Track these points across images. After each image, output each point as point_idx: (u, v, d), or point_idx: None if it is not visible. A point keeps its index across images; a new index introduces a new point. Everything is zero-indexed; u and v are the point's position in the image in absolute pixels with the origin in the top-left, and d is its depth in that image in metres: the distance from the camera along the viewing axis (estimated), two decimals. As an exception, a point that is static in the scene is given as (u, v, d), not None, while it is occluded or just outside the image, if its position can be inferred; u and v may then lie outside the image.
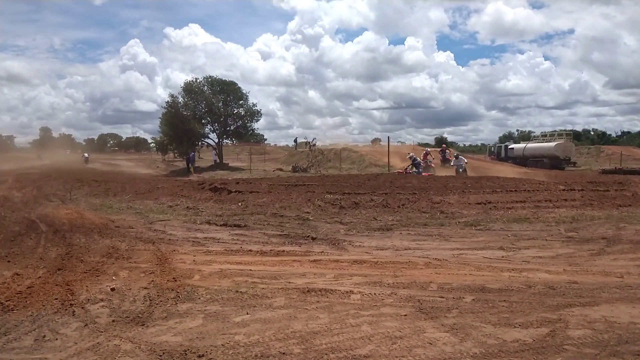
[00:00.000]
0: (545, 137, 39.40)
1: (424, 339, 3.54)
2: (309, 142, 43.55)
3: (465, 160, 24.92)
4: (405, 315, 4.07)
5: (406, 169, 22.98)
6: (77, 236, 7.72)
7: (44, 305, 4.41)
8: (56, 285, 5.03)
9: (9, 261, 6.12)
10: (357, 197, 11.81)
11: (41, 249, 6.82)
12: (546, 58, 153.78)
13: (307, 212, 10.41)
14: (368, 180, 15.60)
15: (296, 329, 3.75)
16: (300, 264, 6.00)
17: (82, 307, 4.36)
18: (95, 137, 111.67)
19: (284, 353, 3.30)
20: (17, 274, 5.46)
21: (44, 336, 3.71)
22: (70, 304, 4.43)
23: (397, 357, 3.24)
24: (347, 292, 4.75)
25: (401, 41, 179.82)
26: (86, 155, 50.40)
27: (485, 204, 11.22)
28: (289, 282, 5.13)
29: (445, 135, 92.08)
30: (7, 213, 10.63)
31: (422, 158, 23.41)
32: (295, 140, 52.40)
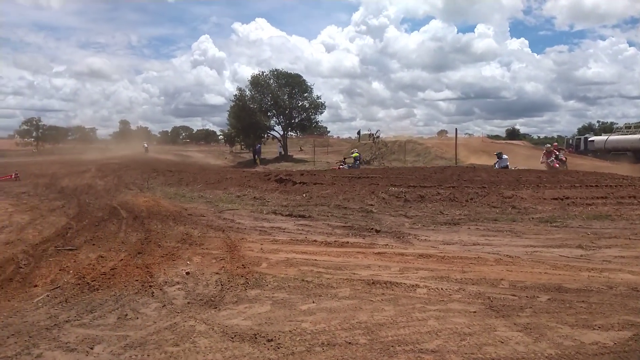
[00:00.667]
0: (629, 128, 36.15)
1: (495, 337, 3.43)
2: (373, 134, 43.20)
3: (506, 158, 23.69)
4: (475, 312, 3.96)
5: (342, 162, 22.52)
6: (154, 222, 8.25)
7: (125, 286, 4.77)
8: (136, 267, 5.42)
9: (93, 244, 6.67)
10: (422, 190, 11.57)
11: (122, 234, 7.36)
12: (630, 44, 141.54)
13: (371, 205, 10.38)
14: (434, 173, 15.23)
15: (361, 320, 3.78)
16: (364, 256, 6.00)
17: (160, 289, 4.67)
18: (169, 130, 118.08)
19: (350, 342, 3.34)
20: (101, 256, 5.95)
21: (126, 315, 4.02)
22: (150, 286, 4.76)
23: (466, 353, 3.17)
24: (413, 285, 4.70)
25: (470, 29, 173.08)
26: (146, 145, 53.64)
27: (562, 199, 10.56)
28: (354, 274, 5.16)
29: (517, 127, 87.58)
30: (91, 200, 11.58)
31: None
32: (359, 132, 52.25)
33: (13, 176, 17.72)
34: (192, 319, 3.87)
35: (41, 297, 4.46)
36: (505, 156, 23.39)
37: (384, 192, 11.50)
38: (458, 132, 25.78)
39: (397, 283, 4.76)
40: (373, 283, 4.77)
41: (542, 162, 21.48)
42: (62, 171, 21.78)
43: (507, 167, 21.98)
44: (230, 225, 8.20)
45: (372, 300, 4.27)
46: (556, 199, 10.62)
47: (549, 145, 23.01)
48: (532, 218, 8.88)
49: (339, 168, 22.50)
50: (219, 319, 3.88)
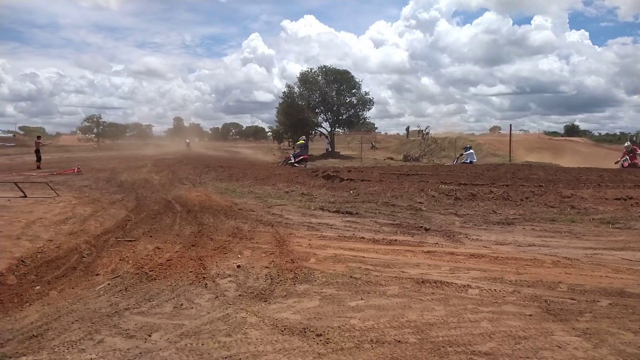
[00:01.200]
0: None
1: (552, 342, 3.29)
2: (422, 131, 42.47)
3: (472, 152, 23.68)
4: (530, 315, 3.82)
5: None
6: (207, 216, 8.53)
7: (180, 277, 4.97)
8: (190, 259, 5.63)
9: (151, 236, 6.99)
10: (474, 188, 11.26)
11: (177, 227, 7.66)
12: None
13: (420, 202, 10.21)
14: (487, 171, 14.77)
15: (411, 319, 3.74)
16: (413, 254, 5.93)
17: (213, 281, 4.83)
18: (220, 126, 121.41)
19: (399, 341, 3.32)
20: (158, 248, 6.23)
21: (182, 304, 4.19)
22: (203, 277, 4.93)
23: (521, 357, 3.07)
24: (464, 286, 4.59)
25: (527, 21, 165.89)
26: (187, 141, 56.62)
27: (625, 199, 9.94)
28: (403, 272, 5.11)
29: (577, 123, 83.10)
30: (148, 194, 12.11)
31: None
32: (407, 129, 51.54)
33: (76, 170, 18.83)
34: (243, 311, 3.97)
35: (102, 286, 4.73)
36: (471, 150, 23.74)
37: (434, 190, 11.28)
38: (512, 128, 24.72)
39: (447, 283, 4.67)
40: (422, 282, 4.70)
41: (615, 163, 20.12)
42: (121, 166, 22.92)
43: (472, 162, 22.47)
44: (278, 221, 8.33)
45: (421, 300, 4.21)
46: (619, 199, 10.02)
47: (629, 144, 21.36)
48: (593, 219, 8.42)
49: (285, 165, 22.52)
50: (269, 312, 3.96)
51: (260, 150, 52.11)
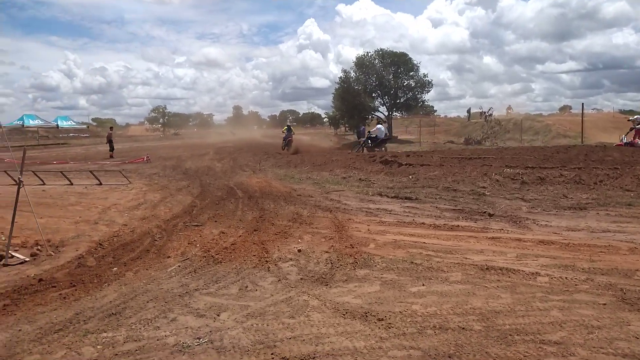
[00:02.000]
0: None
1: (628, 332, 3.10)
2: (484, 112, 40.74)
3: (380, 127, 22.84)
4: (605, 304, 3.62)
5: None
6: (267, 202, 8.76)
7: (244, 260, 5.16)
8: (253, 243, 5.83)
9: (215, 221, 7.30)
10: (542, 171, 10.70)
11: (240, 212, 7.94)
12: None
13: (483, 187, 9.88)
14: (556, 153, 13.95)
15: (475, 306, 3.66)
16: (477, 240, 5.77)
17: (275, 264, 4.97)
18: (277, 114, 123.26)
19: (463, 328, 3.27)
20: (223, 232, 6.49)
21: (246, 287, 4.36)
22: (266, 261, 5.09)
23: (594, 347, 2.92)
24: (533, 273, 4.41)
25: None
26: (233, 132, 58.19)
27: None
28: (466, 258, 5.00)
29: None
30: (211, 180, 12.62)
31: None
32: (469, 111, 49.58)
33: (145, 159, 19.95)
34: (305, 294, 4.07)
35: (174, 267, 5.02)
36: (380, 125, 23.43)
37: (498, 174, 10.85)
38: (585, 107, 23.01)
39: (514, 270, 4.51)
40: (487, 269, 4.57)
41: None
42: (185, 154, 23.99)
43: (377, 137, 22.13)
44: (337, 206, 8.40)
45: (486, 287, 4.10)
46: None
47: (639, 116, 19.26)
48: (679, 204, 7.76)
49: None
50: (331, 295, 4.03)
51: (317, 137, 52.44)
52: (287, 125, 29.06)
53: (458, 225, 6.68)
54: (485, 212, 7.52)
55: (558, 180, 10.00)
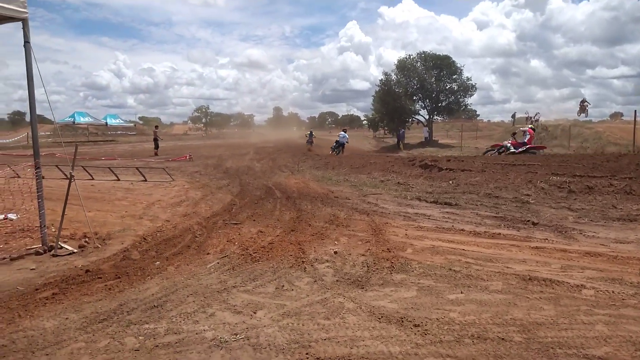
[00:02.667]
0: None
1: (685, 355, 2.93)
2: (530, 117, 39.40)
3: (344, 135, 26.34)
4: (657, 322, 3.43)
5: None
6: (304, 203, 8.83)
7: (281, 260, 5.22)
8: (290, 243, 5.88)
9: (254, 220, 7.42)
10: (591, 180, 10.25)
11: (277, 212, 8.04)
12: None
13: (527, 195, 9.56)
14: (606, 162, 13.33)
15: (516, 317, 3.56)
16: (519, 250, 5.60)
17: (312, 265, 5.01)
18: (316, 116, 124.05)
19: (503, 339, 3.18)
20: (261, 231, 6.60)
21: (283, 286, 4.41)
22: (302, 261, 5.13)
23: (645, 368, 2.78)
24: (578, 285, 4.24)
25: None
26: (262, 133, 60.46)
27: None
28: (507, 267, 4.86)
29: None
30: (250, 180, 12.83)
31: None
32: (513, 116, 48.20)
33: (187, 157, 20.52)
34: (340, 296, 4.08)
35: (213, 264, 5.14)
36: (343, 133, 26.59)
37: (544, 182, 10.48)
38: (637, 114, 21.76)
39: (558, 281, 4.35)
40: (530, 279, 4.43)
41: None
42: (226, 153, 24.51)
43: (343, 145, 25.73)
44: (374, 209, 8.35)
45: (528, 297, 3.98)
46: None
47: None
48: None
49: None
50: (366, 299, 4.02)
51: (355, 139, 52.33)
52: (310, 131, 35.57)
53: (499, 233, 6.50)
54: (528, 221, 7.28)
55: (607, 190, 9.55)
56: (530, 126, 22.70)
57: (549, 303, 3.85)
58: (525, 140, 20.67)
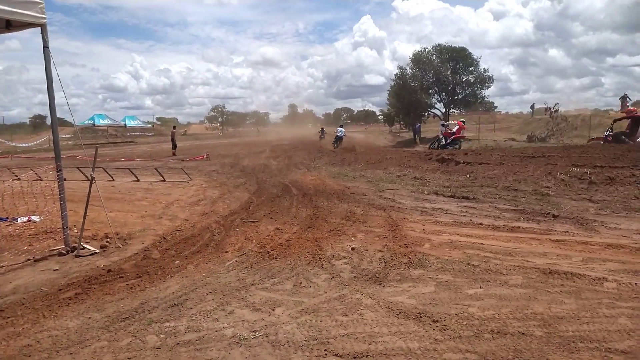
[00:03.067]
0: None
1: None
2: (549, 108, 38.68)
3: (341, 129, 28.88)
4: (683, 315, 3.35)
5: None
6: (321, 199, 8.84)
7: (299, 257, 5.25)
8: (307, 240, 5.91)
9: (271, 217, 7.47)
10: (612, 171, 10.03)
11: (294, 209, 8.08)
12: None
13: (547, 187, 9.41)
14: (628, 152, 13.01)
15: (537, 311, 3.52)
16: (539, 243, 5.52)
17: (329, 262, 5.02)
18: (332, 112, 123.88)
19: (523, 333, 3.15)
20: (278, 229, 6.63)
21: (300, 283, 4.43)
22: (319, 258, 5.15)
23: (670, 362, 2.73)
24: (599, 278, 4.17)
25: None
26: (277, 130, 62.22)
27: None
28: (527, 261, 4.80)
29: None
30: (267, 178, 12.90)
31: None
32: (532, 107, 47.33)
33: (205, 156, 20.72)
34: (358, 292, 4.09)
35: (231, 262, 5.20)
36: (340, 129, 29.21)
37: (564, 173, 10.30)
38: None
39: (579, 274, 4.28)
40: (550, 272, 4.37)
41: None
42: (243, 152, 24.68)
43: (341, 138, 27.76)
44: (391, 205, 8.32)
45: (549, 291, 3.93)
46: None
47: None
48: None
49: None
50: (384, 294, 4.02)
51: (371, 135, 52.10)
52: (322, 128, 39.34)
53: (519, 227, 6.42)
54: (548, 213, 7.17)
55: (629, 180, 9.33)
56: (462, 120, 24.68)
57: (570, 297, 3.79)
58: (455, 130, 22.49)
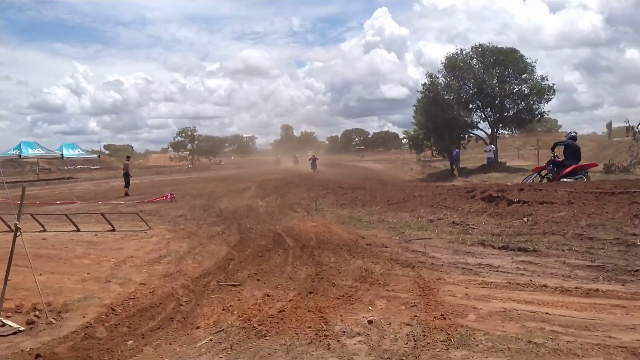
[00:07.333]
0: None
1: None
2: (632, 127, 38.96)
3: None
4: None
5: None
6: (326, 254, 8.85)
7: (296, 334, 5.22)
8: (308, 311, 5.89)
9: (258, 279, 7.47)
10: None
11: (290, 267, 8.08)
12: None
13: (634, 235, 9.39)
14: None
15: (625, 408, 3.46)
16: (626, 311, 5.49)
17: (338, 340, 4.98)
18: (339, 134, 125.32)
19: None
20: (268, 295, 6.63)
21: (299, 370, 4.39)
22: (325, 335, 5.12)
23: None
24: None
25: None
26: (278, 156, 68.57)
27: None
28: (609, 337, 4.76)
29: None
30: (252, 225, 12.96)
31: None
32: (609, 125, 47.70)
33: (168, 197, 20.85)
34: (379, 384, 4.03)
35: (204, 342, 5.16)
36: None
37: (655, 215, 10.30)
38: None
39: (683, 356, 4.23)
40: (642, 353, 4.33)
41: None
42: (220, 189, 24.86)
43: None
44: (421, 260, 8.32)
45: (641, 379, 3.87)
46: None
47: None
48: None
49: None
50: (414, 386, 3.96)
51: (393, 164, 52.52)
52: (313, 157, 48.18)
53: (597, 289, 6.39)
54: (637, 271, 7.14)
55: None
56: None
57: (671, 387, 3.73)
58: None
